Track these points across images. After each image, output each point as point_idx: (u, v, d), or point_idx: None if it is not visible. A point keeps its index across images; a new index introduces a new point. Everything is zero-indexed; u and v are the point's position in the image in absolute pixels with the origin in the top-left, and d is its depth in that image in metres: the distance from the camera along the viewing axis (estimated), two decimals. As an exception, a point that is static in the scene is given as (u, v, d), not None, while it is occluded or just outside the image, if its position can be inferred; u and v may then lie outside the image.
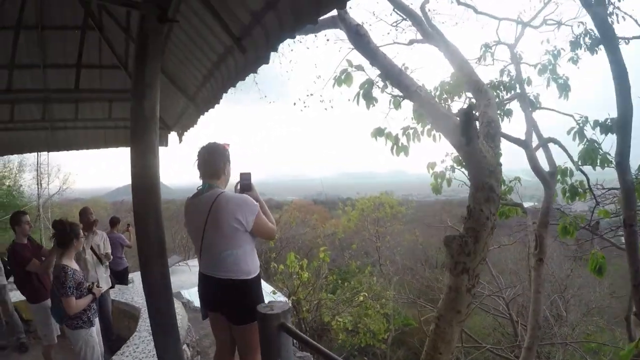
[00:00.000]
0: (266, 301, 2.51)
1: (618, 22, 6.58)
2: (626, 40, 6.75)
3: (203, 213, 2.76)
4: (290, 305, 2.28)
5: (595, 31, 6.10)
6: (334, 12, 5.06)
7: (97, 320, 4.20)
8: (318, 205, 40.07)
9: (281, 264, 10.03)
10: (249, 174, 2.99)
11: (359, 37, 4.69)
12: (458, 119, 4.02)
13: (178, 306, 6.14)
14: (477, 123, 4.42)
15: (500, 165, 3.99)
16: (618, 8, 6.56)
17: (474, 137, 3.75)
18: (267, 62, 2.47)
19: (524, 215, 7.89)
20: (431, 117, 4.53)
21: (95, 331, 4.10)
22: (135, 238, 4.75)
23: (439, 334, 3.85)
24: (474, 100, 5.23)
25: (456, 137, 3.95)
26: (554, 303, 12.49)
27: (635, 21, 6.68)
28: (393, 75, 4.56)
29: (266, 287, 12.84)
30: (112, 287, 6.11)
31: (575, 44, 7.11)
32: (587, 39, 6.90)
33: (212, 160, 2.91)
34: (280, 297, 10.70)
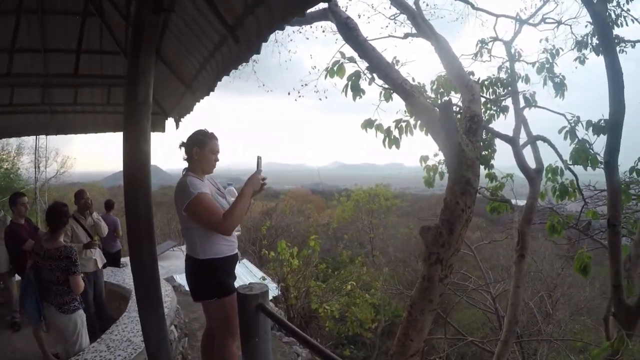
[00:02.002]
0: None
1: (627, 24, 6.70)
2: (632, 44, 6.83)
3: None
4: (267, 287, 2.39)
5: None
6: (325, 5, 5.13)
7: None
8: (316, 194, 40.20)
9: (272, 251, 10.15)
10: (259, 158, 3.18)
11: (348, 30, 4.75)
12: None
13: (168, 289, 6.29)
14: (460, 117, 4.50)
15: (479, 159, 4.07)
16: (627, 11, 6.66)
17: (453, 130, 3.84)
18: (258, 53, 2.54)
19: (511, 211, 7.99)
20: (414, 110, 4.61)
21: None
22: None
23: (411, 321, 3.95)
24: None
25: (437, 130, 4.04)
26: (542, 300, 12.59)
27: None
28: (381, 67, 4.62)
29: (257, 273, 13.02)
30: (105, 267, 6.23)
31: (581, 44, 7.16)
32: (594, 40, 6.93)
33: (185, 146, 3.12)
34: (270, 283, 10.88)
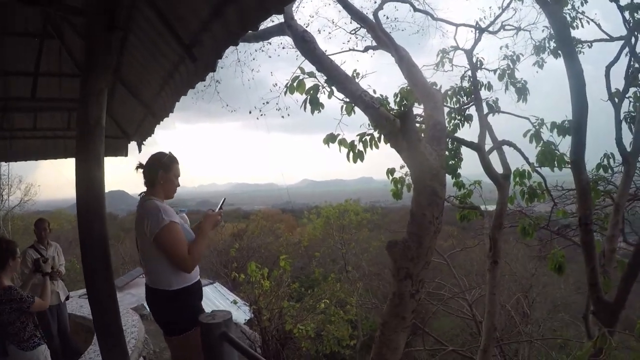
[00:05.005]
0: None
1: (583, 26, 6.87)
2: (589, 44, 6.98)
3: (136, 221, 2.84)
4: (231, 315, 2.26)
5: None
6: (281, 19, 5.05)
7: None
8: (286, 214, 40.00)
9: (242, 274, 9.91)
10: (224, 199, 3.28)
11: (304, 43, 4.72)
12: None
13: (135, 318, 6.04)
14: (422, 126, 4.45)
15: (444, 168, 4.00)
16: (582, 13, 6.83)
17: (415, 140, 3.76)
18: (214, 70, 2.54)
19: (481, 218, 8.01)
20: (374, 121, 4.54)
21: None
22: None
23: (384, 341, 3.82)
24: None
25: (399, 140, 3.95)
26: (519, 302, 12.68)
27: (598, 25, 7.01)
28: (339, 80, 4.59)
29: (228, 296, 12.69)
30: (67, 298, 5.94)
31: (539, 48, 7.27)
32: (552, 43, 7.11)
33: (148, 169, 2.95)
34: (243, 307, 10.61)
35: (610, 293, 4.54)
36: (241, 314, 10.92)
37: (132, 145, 5.50)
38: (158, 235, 2.67)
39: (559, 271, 5.75)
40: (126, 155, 5.67)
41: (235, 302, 10.86)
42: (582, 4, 6.63)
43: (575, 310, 13.70)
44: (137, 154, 5.31)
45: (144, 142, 5.12)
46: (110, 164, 6.21)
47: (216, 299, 12.69)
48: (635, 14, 5.98)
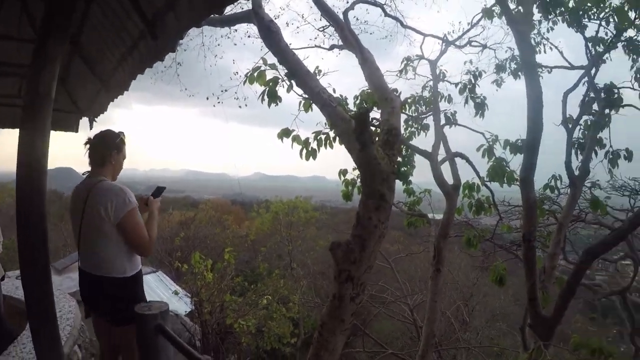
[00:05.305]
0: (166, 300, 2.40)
1: (545, 52, 7.10)
2: (549, 69, 7.22)
3: (81, 202, 2.67)
4: (168, 306, 2.17)
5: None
6: (249, 6, 4.93)
7: None
8: (236, 205, 39.59)
9: (185, 264, 9.71)
10: (163, 188, 3.07)
11: (269, 34, 4.62)
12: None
13: (72, 304, 5.73)
14: (377, 129, 4.44)
15: (395, 173, 3.99)
16: (547, 39, 7.04)
17: (368, 142, 3.73)
18: (173, 51, 2.47)
19: (427, 226, 8.18)
20: (330, 120, 4.50)
21: None
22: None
23: (322, 342, 3.77)
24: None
25: (352, 141, 3.92)
26: (459, 309, 13.04)
27: (561, 53, 7.28)
28: (300, 75, 4.52)
29: (171, 286, 12.41)
30: (2, 278, 5.58)
31: (500, 68, 7.47)
32: (513, 65, 7.31)
33: (100, 147, 2.85)
34: (185, 298, 10.41)
35: (548, 308, 4.70)
36: (182, 305, 10.72)
37: (84, 122, 5.24)
38: (124, 218, 2.59)
39: (499, 283, 5.92)
40: (76, 131, 5.40)
41: (176, 293, 10.67)
42: (548, 31, 6.85)
43: (512, 320, 14.24)
44: (89, 131, 5.02)
45: (96, 119, 4.90)
46: (60, 138, 5.89)
47: (158, 288, 12.36)
48: (598, 47, 6.28)
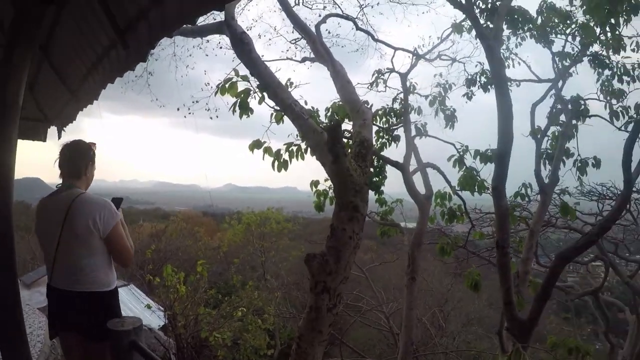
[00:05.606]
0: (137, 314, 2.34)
1: (514, 66, 7.30)
2: (517, 83, 7.45)
3: (59, 214, 2.56)
4: (141, 322, 2.13)
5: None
6: (221, 17, 4.93)
7: None
8: (207, 217, 39.08)
9: (157, 277, 9.53)
10: (121, 199, 2.91)
11: (241, 45, 4.65)
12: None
13: (42, 320, 5.60)
14: (349, 141, 4.51)
15: (368, 185, 4.05)
16: (515, 54, 7.27)
17: (341, 154, 3.78)
18: (144, 60, 2.48)
19: (400, 235, 8.28)
20: (302, 131, 4.55)
21: None
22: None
23: (300, 354, 3.78)
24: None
25: (324, 153, 3.96)
26: (435, 315, 13.16)
27: (529, 67, 7.52)
28: (271, 86, 4.56)
29: (143, 300, 12.13)
30: None
31: (471, 81, 7.66)
32: (483, 78, 7.47)
33: (74, 158, 2.79)
34: (157, 311, 10.19)
35: (523, 311, 4.79)
36: (155, 319, 10.46)
37: (52, 131, 5.20)
38: (113, 230, 2.56)
39: (474, 288, 6.04)
40: (44, 140, 5.36)
41: (149, 307, 10.39)
42: (516, 46, 7.06)
43: (488, 324, 14.45)
44: (57, 140, 4.90)
45: (64, 129, 4.85)
46: (27, 148, 5.73)
47: (130, 302, 12.02)
48: (564, 61, 6.61)
